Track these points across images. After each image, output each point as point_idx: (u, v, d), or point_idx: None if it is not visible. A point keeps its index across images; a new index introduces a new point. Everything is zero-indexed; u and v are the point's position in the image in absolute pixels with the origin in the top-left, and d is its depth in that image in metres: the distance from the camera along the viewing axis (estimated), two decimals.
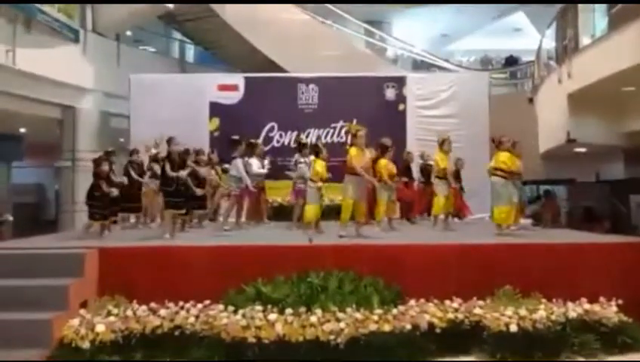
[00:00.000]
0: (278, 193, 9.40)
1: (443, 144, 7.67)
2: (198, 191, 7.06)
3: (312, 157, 7.44)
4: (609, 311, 4.87)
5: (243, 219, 8.07)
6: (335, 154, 7.84)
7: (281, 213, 9.14)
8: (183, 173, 6.55)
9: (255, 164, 8.08)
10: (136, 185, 7.93)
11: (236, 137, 7.92)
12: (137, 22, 13.85)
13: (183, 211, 6.68)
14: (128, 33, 14.69)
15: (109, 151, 7.52)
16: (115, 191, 6.65)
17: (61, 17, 10.92)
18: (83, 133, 11.91)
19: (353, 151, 6.48)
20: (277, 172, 9.15)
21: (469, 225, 8.43)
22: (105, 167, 6.60)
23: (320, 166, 7.10)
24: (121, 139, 11.31)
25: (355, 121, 9.31)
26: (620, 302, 4.94)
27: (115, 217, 7.26)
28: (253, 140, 8.51)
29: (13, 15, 9.69)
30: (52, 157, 13.02)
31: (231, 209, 7.73)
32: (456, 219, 8.55)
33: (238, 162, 7.54)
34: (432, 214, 8.06)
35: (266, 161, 8.58)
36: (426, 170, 8.88)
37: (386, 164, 7.30)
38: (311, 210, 7.04)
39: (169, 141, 6.63)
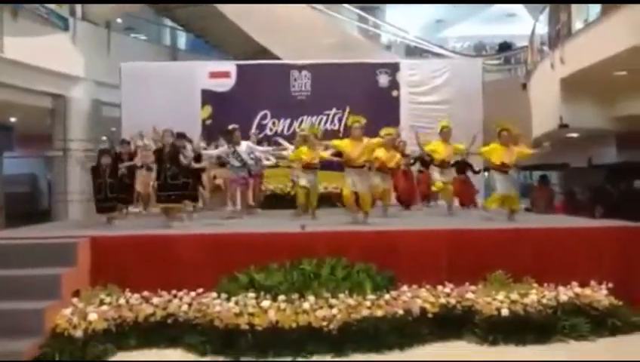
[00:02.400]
0: (272, 181, 9.41)
1: (442, 131, 7.62)
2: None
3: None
4: (600, 294, 4.92)
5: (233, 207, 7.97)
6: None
7: (277, 201, 9.18)
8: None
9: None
10: (128, 176, 7.82)
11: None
12: (128, 9, 13.69)
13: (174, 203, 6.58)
14: (119, 21, 14.52)
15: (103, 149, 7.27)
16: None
17: (50, 5, 10.77)
18: (74, 122, 11.81)
19: (346, 142, 6.53)
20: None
21: (463, 211, 8.48)
22: (104, 160, 6.55)
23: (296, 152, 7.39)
24: (113, 128, 11.24)
25: (347, 108, 9.35)
26: (611, 285, 4.99)
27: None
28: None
29: None
30: (44, 146, 12.93)
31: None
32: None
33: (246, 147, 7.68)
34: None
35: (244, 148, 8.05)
36: (422, 159, 8.92)
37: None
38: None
39: (164, 133, 6.55)
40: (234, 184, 7.72)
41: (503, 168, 6.61)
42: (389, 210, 7.64)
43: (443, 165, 7.59)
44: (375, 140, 6.67)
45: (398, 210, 8.32)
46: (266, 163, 8.41)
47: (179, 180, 6.49)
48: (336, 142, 6.72)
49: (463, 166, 8.60)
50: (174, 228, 6.09)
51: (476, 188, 9.20)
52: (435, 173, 7.75)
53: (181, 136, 7.48)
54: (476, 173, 8.79)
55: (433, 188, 7.96)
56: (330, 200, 8.92)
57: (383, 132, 7.34)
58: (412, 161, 8.83)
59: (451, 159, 7.77)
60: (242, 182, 7.71)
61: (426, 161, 8.65)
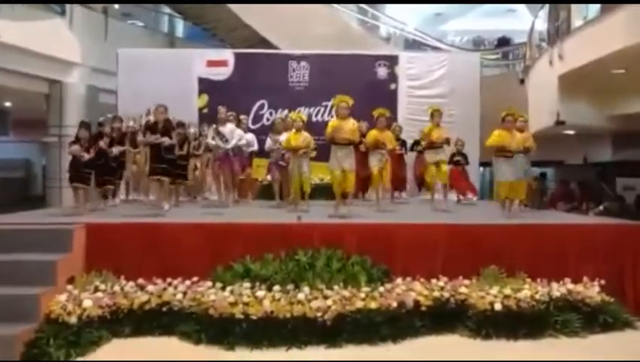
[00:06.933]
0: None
1: (433, 116, 7.55)
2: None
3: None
4: (591, 290, 4.96)
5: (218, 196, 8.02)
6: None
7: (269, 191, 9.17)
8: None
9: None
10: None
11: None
12: None
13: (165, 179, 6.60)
14: (116, 7, 14.39)
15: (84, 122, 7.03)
16: (85, 156, 6.38)
17: None
18: (70, 107, 11.74)
19: (331, 121, 6.65)
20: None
21: (459, 205, 8.50)
22: (80, 133, 6.46)
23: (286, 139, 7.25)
24: (110, 115, 11.17)
25: None
26: (603, 282, 5.04)
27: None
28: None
29: None
30: (39, 132, 12.85)
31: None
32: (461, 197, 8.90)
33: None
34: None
35: (228, 129, 7.81)
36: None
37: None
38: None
39: (158, 109, 6.59)
40: (216, 166, 7.67)
41: (508, 153, 6.53)
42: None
43: (436, 145, 7.48)
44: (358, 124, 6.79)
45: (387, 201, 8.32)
46: (249, 149, 8.32)
47: (173, 155, 6.58)
48: (330, 123, 6.71)
49: (459, 157, 8.72)
50: (170, 217, 6.09)
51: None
52: (427, 155, 7.69)
53: (181, 125, 7.53)
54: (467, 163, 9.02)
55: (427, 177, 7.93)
56: (325, 191, 8.91)
57: (376, 113, 7.40)
58: (408, 147, 9.12)
59: (444, 138, 7.57)
60: (223, 159, 7.59)
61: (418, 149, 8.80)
